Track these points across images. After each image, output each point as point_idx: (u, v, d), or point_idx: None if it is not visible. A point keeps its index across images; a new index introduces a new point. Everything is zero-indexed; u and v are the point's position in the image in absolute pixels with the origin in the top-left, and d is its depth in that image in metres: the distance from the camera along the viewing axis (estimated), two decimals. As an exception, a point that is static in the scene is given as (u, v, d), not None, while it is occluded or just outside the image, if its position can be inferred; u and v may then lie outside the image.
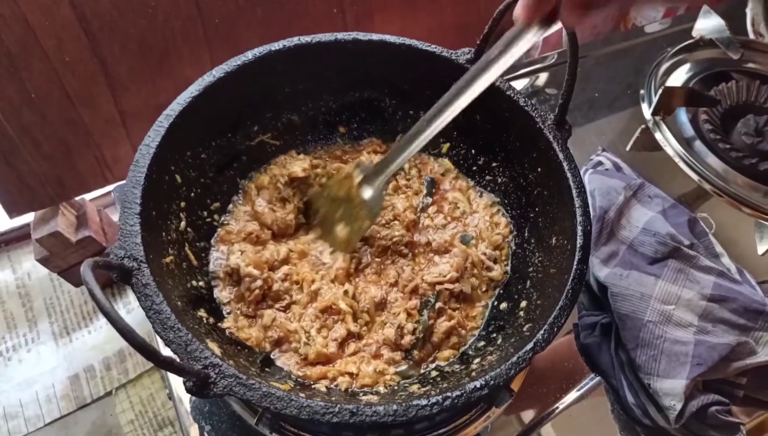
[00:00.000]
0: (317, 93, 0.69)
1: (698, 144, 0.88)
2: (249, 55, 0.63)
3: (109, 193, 0.96)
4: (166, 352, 0.43)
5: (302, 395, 0.46)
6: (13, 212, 0.80)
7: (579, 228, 0.55)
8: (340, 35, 0.66)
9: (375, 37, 0.66)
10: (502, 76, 0.61)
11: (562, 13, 0.42)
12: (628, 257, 0.69)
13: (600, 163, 0.82)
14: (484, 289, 0.64)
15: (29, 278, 0.93)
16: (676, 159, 0.86)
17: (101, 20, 0.72)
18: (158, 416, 0.82)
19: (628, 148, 0.91)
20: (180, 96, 0.59)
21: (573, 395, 0.67)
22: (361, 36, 0.66)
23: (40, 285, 0.93)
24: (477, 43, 0.66)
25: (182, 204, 0.60)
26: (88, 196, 0.90)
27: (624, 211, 0.73)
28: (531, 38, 0.46)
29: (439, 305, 0.60)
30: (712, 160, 0.86)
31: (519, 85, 1.08)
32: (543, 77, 1.10)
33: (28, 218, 0.86)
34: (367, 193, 0.63)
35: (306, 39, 0.65)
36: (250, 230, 0.64)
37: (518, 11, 0.44)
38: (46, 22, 0.69)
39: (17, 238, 0.97)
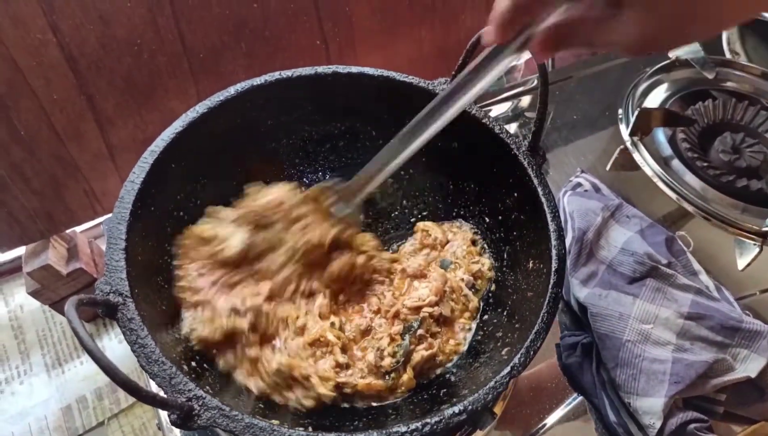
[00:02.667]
0: (299, 125, 0.71)
1: (676, 163, 0.90)
2: (231, 90, 0.64)
3: (100, 224, 0.97)
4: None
5: (286, 425, 0.47)
6: (3, 247, 0.81)
7: (553, 252, 0.57)
8: (320, 69, 0.68)
9: (354, 69, 0.68)
10: (477, 102, 0.63)
11: (531, 47, 0.42)
12: (607, 276, 0.71)
13: (579, 184, 0.84)
14: (465, 314, 0.65)
15: (21, 310, 0.94)
16: (655, 178, 0.88)
17: (88, 59, 0.74)
18: (150, 446, 0.82)
19: (607, 169, 0.93)
20: (164, 132, 0.60)
21: (557, 414, 0.68)
22: (341, 69, 0.68)
23: (32, 317, 0.94)
24: (453, 73, 0.68)
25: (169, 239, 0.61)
26: (78, 228, 0.91)
27: (602, 231, 0.75)
28: (504, 63, 0.45)
29: (420, 331, 0.61)
30: (690, 178, 0.88)
31: (501, 108, 1.10)
32: (525, 100, 1.12)
33: (20, 250, 0.87)
34: (342, 210, 0.63)
35: (287, 73, 0.67)
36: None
37: (487, 35, 0.43)
38: (34, 62, 0.71)
39: (9, 270, 0.98)
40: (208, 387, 0.51)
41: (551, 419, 0.67)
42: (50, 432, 0.83)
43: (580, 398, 0.68)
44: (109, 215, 0.82)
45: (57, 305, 0.88)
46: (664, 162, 0.91)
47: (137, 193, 0.56)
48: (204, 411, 0.45)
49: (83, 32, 0.73)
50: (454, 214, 0.74)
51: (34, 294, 0.84)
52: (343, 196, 0.63)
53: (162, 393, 0.46)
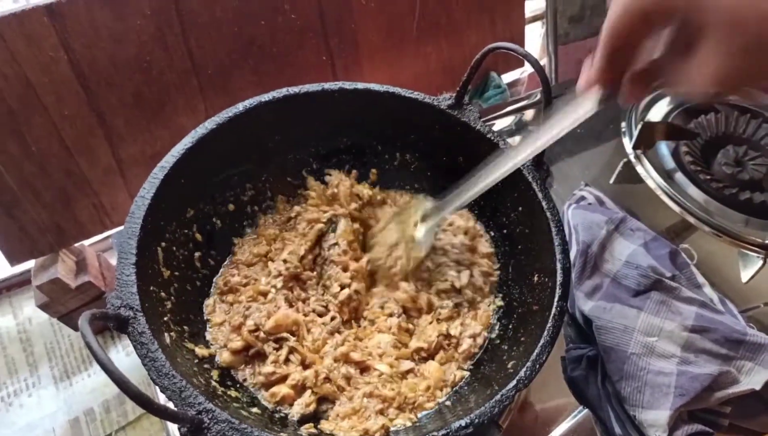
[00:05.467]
0: (306, 140, 0.72)
1: (679, 176, 0.90)
2: (240, 107, 0.66)
3: (108, 237, 0.98)
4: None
5: (294, 438, 0.48)
6: (14, 260, 0.82)
7: (558, 266, 0.57)
8: (327, 85, 0.69)
9: (360, 85, 0.69)
10: (482, 117, 0.65)
11: (624, 86, 0.42)
12: (611, 290, 0.71)
13: (583, 197, 0.85)
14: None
15: (30, 323, 0.95)
16: (658, 191, 0.88)
17: (98, 76, 0.76)
18: (157, 459, 0.83)
19: (611, 182, 0.94)
20: (174, 148, 0.62)
21: (564, 426, 0.68)
22: (347, 85, 0.69)
23: (40, 330, 0.95)
24: (457, 89, 0.69)
25: (179, 255, 0.62)
26: (87, 242, 0.92)
27: (607, 244, 0.75)
28: (586, 109, 0.47)
29: None
30: (693, 191, 0.88)
31: (505, 122, 1.11)
32: (529, 114, 1.13)
33: (30, 264, 0.88)
34: (421, 232, 0.67)
35: (294, 90, 0.68)
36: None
37: (587, 82, 0.44)
38: (45, 79, 0.73)
39: (19, 283, 0.99)
40: (218, 401, 0.52)
41: (557, 432, 0.68)
42: (58, 445, 0.83)
43: (586, 410, 0.68)
44: (119, 229, 0.83)
45: (65, 318, 0.88)
46: (667, 175, 0.91)
47: (147, 209, 0.57)
48: (214, 424, 0.46)
49: (94, 50, 0.74)
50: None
51: (43, 307, 0.84)
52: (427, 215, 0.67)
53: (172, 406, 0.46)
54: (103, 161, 0.82)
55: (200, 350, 0.58)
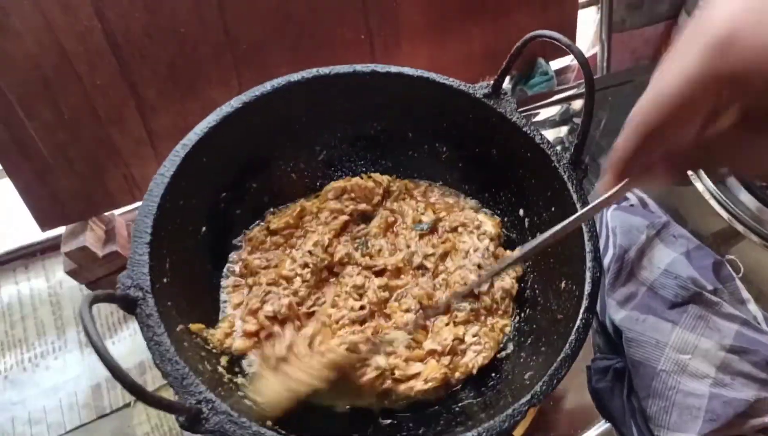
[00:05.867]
0: (335, 123, 0.70)
1: (732, 180, 0.85)
2: (267, 86, 0.64)
3: (137, 208, 0.99)
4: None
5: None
6: (45, 226, 0.83)
7: (588, 274, 0.54)
8: (359, 67, 0.66)
9: (393, 69, 0.66)
10: (521, 107, 0.61)
11: (655, 174, 0.36)
12: (647, 299, 0.67)
13: (625, 198, 0.80)
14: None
15: (61, 286, 0.97)
16: (707, 195, 0.83)
17: (132, 46, 0.75)
18: (173, 430, 0.83)
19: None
20: (197, 126, 0.60)
21: (583, 439, 0.65)
22: (379, 68, 0.66)
23: (70, 295, 0.96)
24: (495, 77, 0.65)
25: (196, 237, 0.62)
26: (117, 211, 0.93)
27: (646, 250, 0.71)
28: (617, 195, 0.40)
29: None
30: (746, 197, 0.82)
31: (551, 111, 1.06)
32: (577, 104, 1.08)
33: (63, 228, 0.89)
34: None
35: (324, 70, 0.65)
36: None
37: (603, 187, 0.39)
38: (80, 48, 0.72)
39: (52, 247, 1.01)
40: (222, 388, 0.51)
41: (576, 444, 0.65)
42: (79, 409, 0.85)
43: (608, 424, 0.65)
44: (145, 202, 0.83)
45: (92, 285, 0.89)
46: (719, 178, 0.85)
47: (166, 187, 0.56)
48: (212, 415, 0.45)
49: (128, 20, 0.73)
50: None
51: (71, 273, 0.86)
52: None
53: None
54: (134, 132, 0.82)
55: (211, 335, 0.58)
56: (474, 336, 0.61)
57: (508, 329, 0.64)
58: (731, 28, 0.27)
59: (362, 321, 0.62)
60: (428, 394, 0.57)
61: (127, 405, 0.86)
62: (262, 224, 0.70)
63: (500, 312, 0.64)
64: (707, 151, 0.33)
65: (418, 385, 0.56)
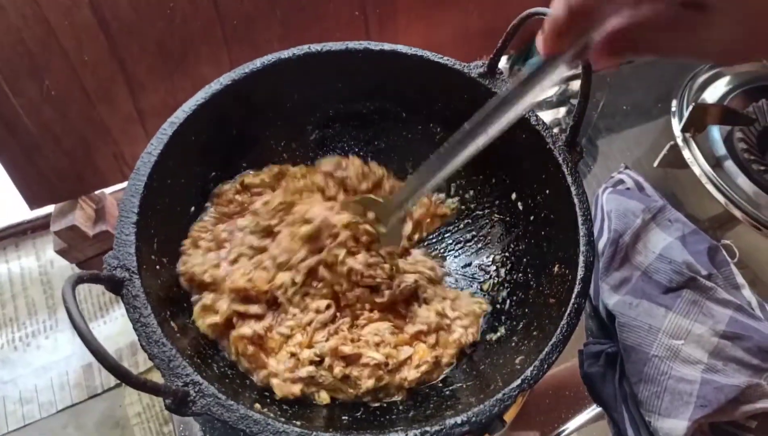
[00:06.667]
0: (326, 102, 0.69)
1: (729, 164, 0.84)
2: (257, 62, 0.62)
3: (130, 186, 0.98)
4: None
5: (282, 419, 0.46)
6: (33, 205, 0.82)
7: (581, 258, 0.53)
8: (351, 44, 0.64)
9: (387, 46, 0.65)
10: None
11: (590, 55, 0.37)
12: (641, 284, 0.66)
13: (621, 181, 0.79)
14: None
15: (52, 265, 0.96)
16: (703, 179, 0.82)
17: (120, 22, 0.73)
18: (164, 411, 0.83)
19: (655, 165, 0.87)
20: (186, 103, 0.59)
21: (573, 424, 0.65)
22: (372, 45, 0.65)
23: (61, 274, 0.96)
24: (490, 57, 0.64)
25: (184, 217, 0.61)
26: (108, 190, 0.92)
27: (641, 234, 0.70)
28: (555, 75, 0.41)
29: None
30: (743, 181, 0.81)
31: (549, 92, 1.05)
32: (575, 85, 1.06)
33: (53, 207, 0.88)
34: (381, 228, 0.61)
35: (316, 47, 0.64)
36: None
37: (539, 44, 0.39)
38: (66, 23, 0.70)
39: (42, 226, 1.00)
40: (209, 372, 0.50)
41: (566, 429, 0.65)
42: (70, 388, 0.85)
43: (600, 409, 0.65)
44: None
45: (83, 265, 0.89)
46: (716, 162, 0.84)
47: (153, 166, 0.55)
48: (199, 398, 0.44)
49: (115, -7, 0.71)
50: (483, 202, 0.71)
51: (61, 253, 0.85)
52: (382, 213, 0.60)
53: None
54: (123, 110, 0.80)
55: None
56: (454, 311, 0.61)
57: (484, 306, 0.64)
58: None
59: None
60: (422, 381, 0.57)
61: (119, 385, 0.86)
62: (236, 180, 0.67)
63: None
64: (641, 30, 0.33)
65: (411, 374, 0.56)
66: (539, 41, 0.39)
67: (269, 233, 0.62)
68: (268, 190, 0.66)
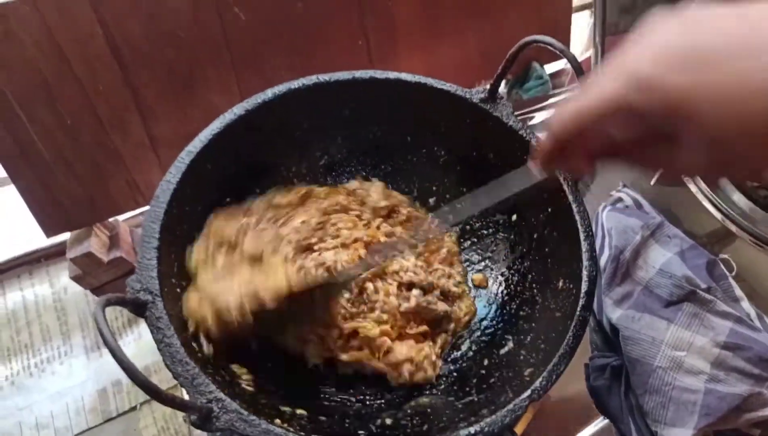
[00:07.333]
0: (334, 129, 0.71)
1: (724, 182, 0.86)
2: (269, 93, 0.65)
3: (142, 213, 1.00)
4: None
5: (302, 433, 0.48)
6: (49, 232, 0.85)
7: (584, 273, 0.55)
8: (358, 74, 0.67)
9: (391, 75, 0.68)
10: (517, 110, 0.62)
11: (575, 163, 0.42)
12: (642, 298, 0.68)
13: (620, 199, 0.82)
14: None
15: (65, 292, 0.98)
16: (699, 196, 0.84)
17: (132, 50, 0.76)
18: (179, 433, 0.85)
19: (652, 183, 0.90)
20: (202, 132, 0.61)
21: (583, 434, 0.67)
22: (378, 74, 0.68)
23: (74, 300, 0.97)
24: (491, 82, 0.67)
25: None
26: (121, 217, 0.94)
27: (641, 251, 0.72)
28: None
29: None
30: (738, 197, 0.84)
31: (545, 115, 1.08)
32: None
33: (67, 235, 0.90)
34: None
35: (324, 77, 0.66)
36: None
37: (531, 166, 0.47)
38: (80, 52, 0.74)
39: (56, 253, 1.02)
40: (230, 390, 0.52)
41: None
42: (86, 413, 0.86)
43: (607, 421, 0.67)
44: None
45: (98, 291, 0.91)
46: (711, 179, 0.87)
47: (173, 193, 0.57)
48: (223, 414, 0.46)
49: (128, 24, 0.75)
50: (487, 223, 0.73)
51: (76, 279, 0.87)
52: None
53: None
54: (136, 137, 0.83)
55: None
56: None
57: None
58: (652, 72, 0.32)
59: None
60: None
61: (134, 408, 0.87)
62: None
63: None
64: (616, 152, 0.39)
65: (407, 367, 0.59)
66: (531, 165, 0.47)
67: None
68: (297, 208, 0.67)
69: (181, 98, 0.84)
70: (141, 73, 0.79)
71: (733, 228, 0.81)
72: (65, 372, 0.91)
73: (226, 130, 0.62)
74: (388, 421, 0.57)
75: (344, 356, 0.61)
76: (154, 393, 0.41)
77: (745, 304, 0.70)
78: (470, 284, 0.72)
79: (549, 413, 0.68)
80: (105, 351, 0.93)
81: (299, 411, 0.55)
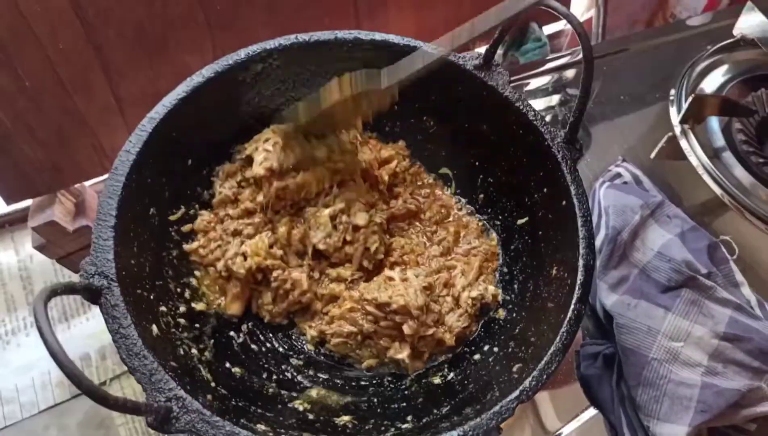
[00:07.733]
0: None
1: (727, 155, 0.82)
2: (241, 53, 0.59)
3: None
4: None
5: (270, 433, 0.44)
6: (10, 199, 0.79)
7: (581, 261, 0.51)
8: (340, 33, 0.62)
9: (377, 36, 0.62)
10: (513, 75, 0.56)
11: None
12: (639, 283, 0.64)
13: (618, 175, 0.77)
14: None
15: (31, 260, 0.93)
16: (700, 170, 0.80)
17: (96, 7, 0.69)
18: (150, 410, 0.81)
19: (652, 157, 0.85)
20: (166, 97, 0.56)
21: (570, 427, 0.64)
22: (363, 35, 0.62)
23: (41, 269, 0.93)
24: (486, 47, 0.61)
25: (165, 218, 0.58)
26: (88, 183, 0.88)
27: (639, 231, 0.68)
28: None
29: None
30: (741, 173, 0.80)
31: (542, 80, 1.02)
32: (569, 73, 1.03)
33: (30, 201, 0.85)
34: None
35: (303, 37, 0.61)
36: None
37: None
38: (38, 8, 0.67)
39: (21, 218, 0.96)
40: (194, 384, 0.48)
41: (564, 430, 0.63)
42: (53, 388, 0.82)
43: (596, 411, 0.64)
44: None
45: (64, 260, 0.86)
46: (714, 153, 0.82)
47: (132, 165, 0.52)
48: (183, 414, 0.42)
49: (91, -23, 0.68)
50: (478, 199, 0.69)
51: (40, 248, 0.82)
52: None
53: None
54: (101, 99, 0.77)
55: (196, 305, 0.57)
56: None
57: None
58: None
59: None
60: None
61: (103, 384, 0.84)
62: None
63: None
64: None
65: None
66: None
67: None
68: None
69: (150, 58, 0.77)
70: (106, 31, 0.72)
71: (734, 205, 0.77)
72: (31, 344, 0.87)
73: (193, 94, 0.57)
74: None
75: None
76: (101, 400, 0.37)
77: (746, 290, 0.67)
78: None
79: (535, 401, 0.65)
80: (73, 323, 0.89)
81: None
